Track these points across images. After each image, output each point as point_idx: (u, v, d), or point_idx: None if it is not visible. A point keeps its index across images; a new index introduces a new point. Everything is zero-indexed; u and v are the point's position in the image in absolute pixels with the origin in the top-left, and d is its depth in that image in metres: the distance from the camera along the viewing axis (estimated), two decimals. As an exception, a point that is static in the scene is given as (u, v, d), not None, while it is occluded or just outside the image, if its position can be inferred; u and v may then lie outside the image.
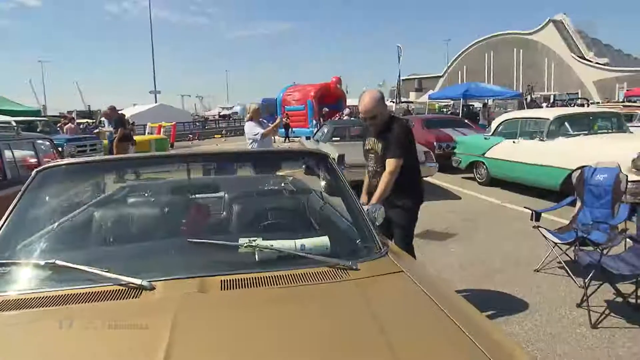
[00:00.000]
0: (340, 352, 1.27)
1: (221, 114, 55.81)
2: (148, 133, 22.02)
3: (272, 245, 1.83)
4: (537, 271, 4.59)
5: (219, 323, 1.41)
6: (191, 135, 28.62)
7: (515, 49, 65.30)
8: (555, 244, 4.38)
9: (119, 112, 14.56)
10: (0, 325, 1.46)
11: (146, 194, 2.63)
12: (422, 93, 46.84)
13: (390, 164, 3.22)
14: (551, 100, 37.76)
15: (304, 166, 2.71)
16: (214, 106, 74.85)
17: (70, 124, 17.00)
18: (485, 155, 9.25)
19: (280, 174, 3.17)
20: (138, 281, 1.58)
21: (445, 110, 29.86)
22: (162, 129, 22.74)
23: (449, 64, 74.29)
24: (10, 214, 1.97)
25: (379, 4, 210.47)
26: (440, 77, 74.03)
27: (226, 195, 2.62)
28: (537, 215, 4.47)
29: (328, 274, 1.71)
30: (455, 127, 12.21)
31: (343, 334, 1.36)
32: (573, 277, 4.12)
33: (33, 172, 2.14)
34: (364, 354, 1.26)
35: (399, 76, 26.85)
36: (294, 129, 21.06)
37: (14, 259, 1.80)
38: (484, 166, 9.39)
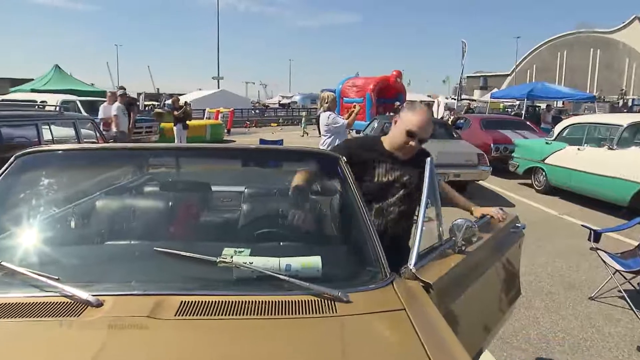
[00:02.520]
0: None
1: (281, 102, 56.31)
2: (206, 118, 22.46)
3: (251, 263, 1.54)
4: (593, 299, 4.01)
5: None
6: (248, 122, 28.88)
7: (592, 49, 61.22)
8: (617, 270, 3.79)
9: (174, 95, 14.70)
10: None
11: (130, 191, 2.38)
12: (486, 91, 44.75)
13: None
14: (629, 104, 34.92)
15: (311, 168, 2.35)
16: (275, 94, 75.72)
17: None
18: (546, 161, 8.50)
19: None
20: (84, 295, 1.36)
21: (509, 110, 28.33)
22: (219, 115, 23.10)
23: (517, 62, 70.89)
24: None
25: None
26: (507, 75, 70.86)
27: (224, 194, 2.35)
28: (596, 236, 3.89)
29: (312, 305, 1.40)
30: (515, 129, 11.37)
31: None
32: (636, 312, 3.54)
33: (12, 157, 1.95)
34: None
35: (462, 72, 25.63)
36: None
37: None
38: (543, 173, 8.63)
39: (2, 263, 1.51)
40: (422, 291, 1.65)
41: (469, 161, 8.03)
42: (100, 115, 9.81)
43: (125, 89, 10.96)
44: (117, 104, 9.54)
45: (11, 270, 1.50)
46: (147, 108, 27.11)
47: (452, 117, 15.86)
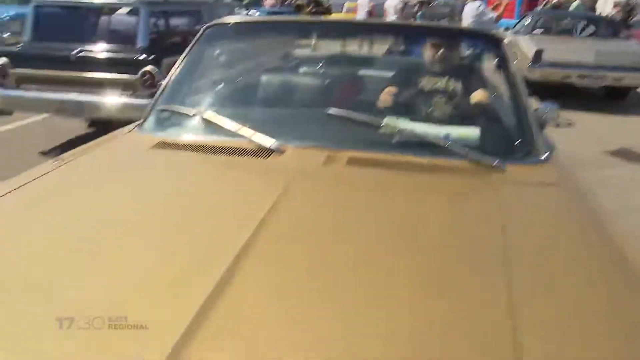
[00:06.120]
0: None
1: (423, -3, 52.53)
2: (344, 12, 22.06)
3: (413, 128, 1.70)
4: None
5: (327, 201, 1.38)
6: (387, 17, 27.80)
7: None
8: None
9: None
10: (151, 159, 1.68)
11: (306, 64, 2.62)
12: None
13: None
14: None
15: (469, 49, 2.35)
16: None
17: (270, -2, 17.92)
18: None
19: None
20: (269, 142, 1.62)
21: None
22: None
23: None
24: (178, 67, 2.12)
25: None
26: None
27: (387, 72, 2.49)
28: None
29: (467, 169, 1.52)
30: None
31: (459, 247, 1.17)
32: None
33: (202, 29, 2.25)
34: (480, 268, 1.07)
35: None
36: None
37: (174, 107, 1.95)
38: None
39: (203, 113, 1.81)
40: (572, 170, 1.71)
41: (635, 63, 7.02)
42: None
43: None
44: None
45: (211, 120, 1.78)
46: (286, 2, 27.28)
47: (622, 14, 13.58)
